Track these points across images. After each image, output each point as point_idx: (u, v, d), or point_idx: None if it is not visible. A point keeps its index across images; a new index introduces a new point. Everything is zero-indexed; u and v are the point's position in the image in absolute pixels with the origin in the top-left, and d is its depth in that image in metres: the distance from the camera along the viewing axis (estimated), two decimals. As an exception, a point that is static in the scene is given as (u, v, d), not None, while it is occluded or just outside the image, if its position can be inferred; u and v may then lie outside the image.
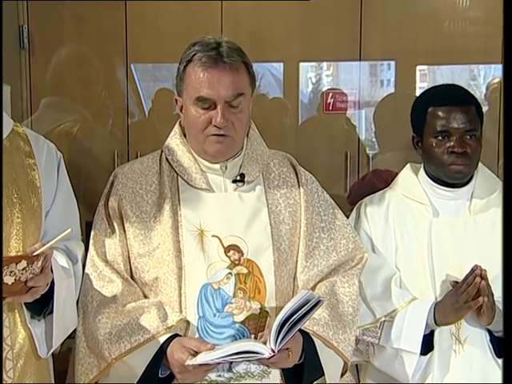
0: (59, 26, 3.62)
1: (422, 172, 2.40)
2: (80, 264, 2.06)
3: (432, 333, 2.24)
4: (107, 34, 3.62)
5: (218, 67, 1.98)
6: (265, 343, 1.88)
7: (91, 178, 3.47)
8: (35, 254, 1.73)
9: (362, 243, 2.25)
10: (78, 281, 2.04)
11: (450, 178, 2.30)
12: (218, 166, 2.10)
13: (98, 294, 2.03)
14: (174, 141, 2.16)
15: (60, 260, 1.96)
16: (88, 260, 2.08)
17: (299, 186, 2.18)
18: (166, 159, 2.15)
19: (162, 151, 2.18)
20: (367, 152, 3.66)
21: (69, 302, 1.97)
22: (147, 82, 3.75)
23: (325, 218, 2.18)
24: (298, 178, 2.19)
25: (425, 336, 2.22)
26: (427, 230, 2.32)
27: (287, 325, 1.86)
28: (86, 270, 2.06)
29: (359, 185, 3.08)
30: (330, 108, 3.64)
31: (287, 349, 1.92)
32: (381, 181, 2.59)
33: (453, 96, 2.32)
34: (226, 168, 2.11)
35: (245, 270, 2.02)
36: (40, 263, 1.74)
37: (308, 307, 1.89)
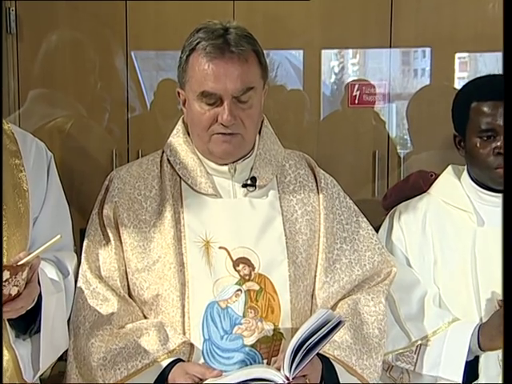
0: (51, 9, 3.62)
1: (465, 175, 2.39)
2: (72, 277, 2.08)
3: (476, 359, 2.23)
4: (105, 17, 3.63)
5: (225, 58, 1.99)
6: (278, 369, 1.88)
7: (86, 181, 3.49)
8: (20, 263, 1.73)
9: (389, 256, 2.26)
10: (70, 296, 2.06)
11: (497, 182, 2.28)
12: (225, 169, 2.11)
13: (91, 314, 2.04)
14: (177, 140, 2.17)
15: (49, 272, 1.98)
16: (80, 275, 2.09)
17: (318, 191, 2.19)
18: (168, 161, 2.16)
19: (163, 152, 2.19)
20: (398, 151, 3.65)
21: (58, 319, 1.98)
22: (149, 72, 3.76)
23: (347, 227, 2.19)
24: (316, 182, 2.20)
25: (468, 363, 2.20)
26: (471, 241, 2.31)
27: (304, 348, 1.86)
28: (78, 287, 2.07)
29: (402, 186, 3.01)
30: (356, 101, 3.64)
31: (304, 376, 1.92)
32: (428, 184, 2.54)
33: (499, 88, 2.28)
34: (234, 170, 2.11)
35: (256, 287, 2.03)
36: (25, 274, 1.74)
37: (327, 328, 1.89)
